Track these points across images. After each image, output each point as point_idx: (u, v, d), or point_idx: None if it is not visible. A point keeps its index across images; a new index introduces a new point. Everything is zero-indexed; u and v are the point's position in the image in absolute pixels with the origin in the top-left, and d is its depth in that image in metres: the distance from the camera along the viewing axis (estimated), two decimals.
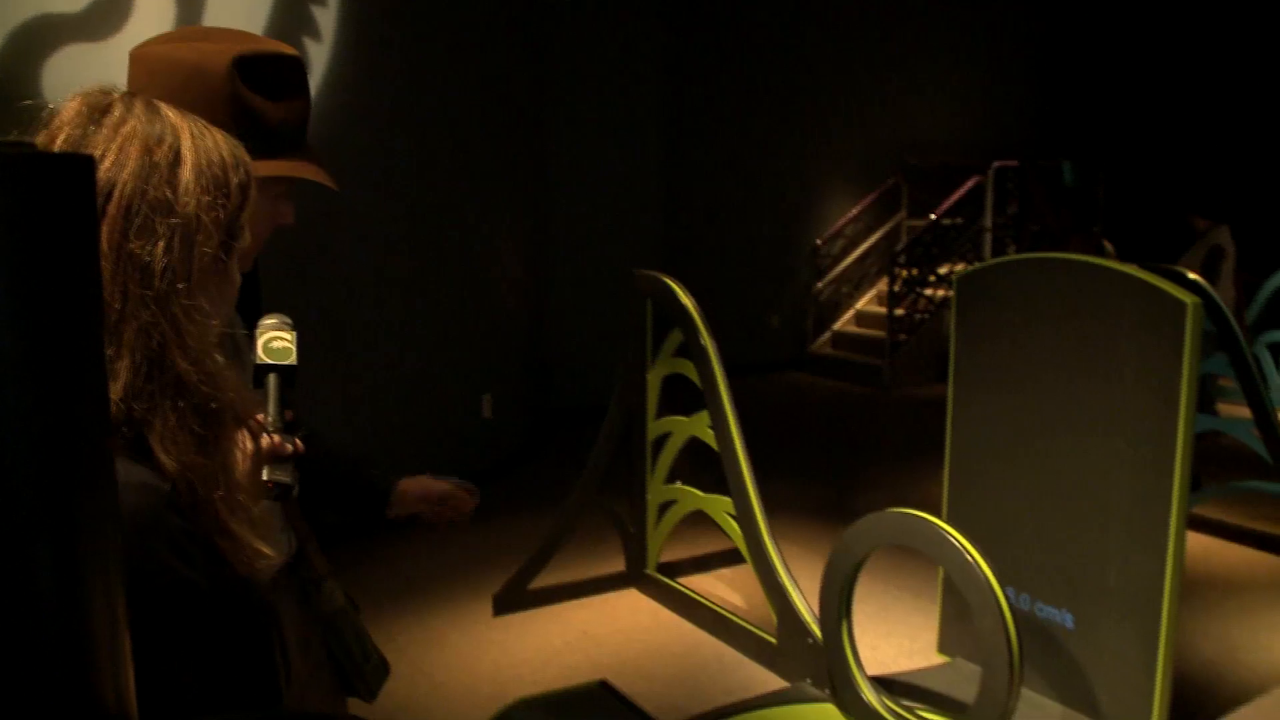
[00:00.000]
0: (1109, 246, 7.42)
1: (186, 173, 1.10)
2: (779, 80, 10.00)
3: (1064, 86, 11.66)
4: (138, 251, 1.05)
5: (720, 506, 4.14)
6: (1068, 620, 3.46)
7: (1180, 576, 3.20)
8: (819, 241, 10.47)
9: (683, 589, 4.53)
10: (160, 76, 1.52)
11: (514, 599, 4.52)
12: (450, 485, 2.18)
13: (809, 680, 3.68)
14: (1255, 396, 4.69)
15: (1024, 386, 3.55)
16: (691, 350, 4.15)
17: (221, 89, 1.51)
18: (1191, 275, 4.64)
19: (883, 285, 10.43)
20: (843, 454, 7.43)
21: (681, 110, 9.22)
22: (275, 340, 1.51)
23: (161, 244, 1.06)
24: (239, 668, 1.13)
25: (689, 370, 4.21)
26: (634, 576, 4.78)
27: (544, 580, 4.59)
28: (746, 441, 4.01)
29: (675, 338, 4.29)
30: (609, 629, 4.38)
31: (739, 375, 9.70)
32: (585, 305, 8.00)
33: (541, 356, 7.52)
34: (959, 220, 9.84)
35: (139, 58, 1.55)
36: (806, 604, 3.72)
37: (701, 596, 4.43)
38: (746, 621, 4.12)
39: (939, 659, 3.98)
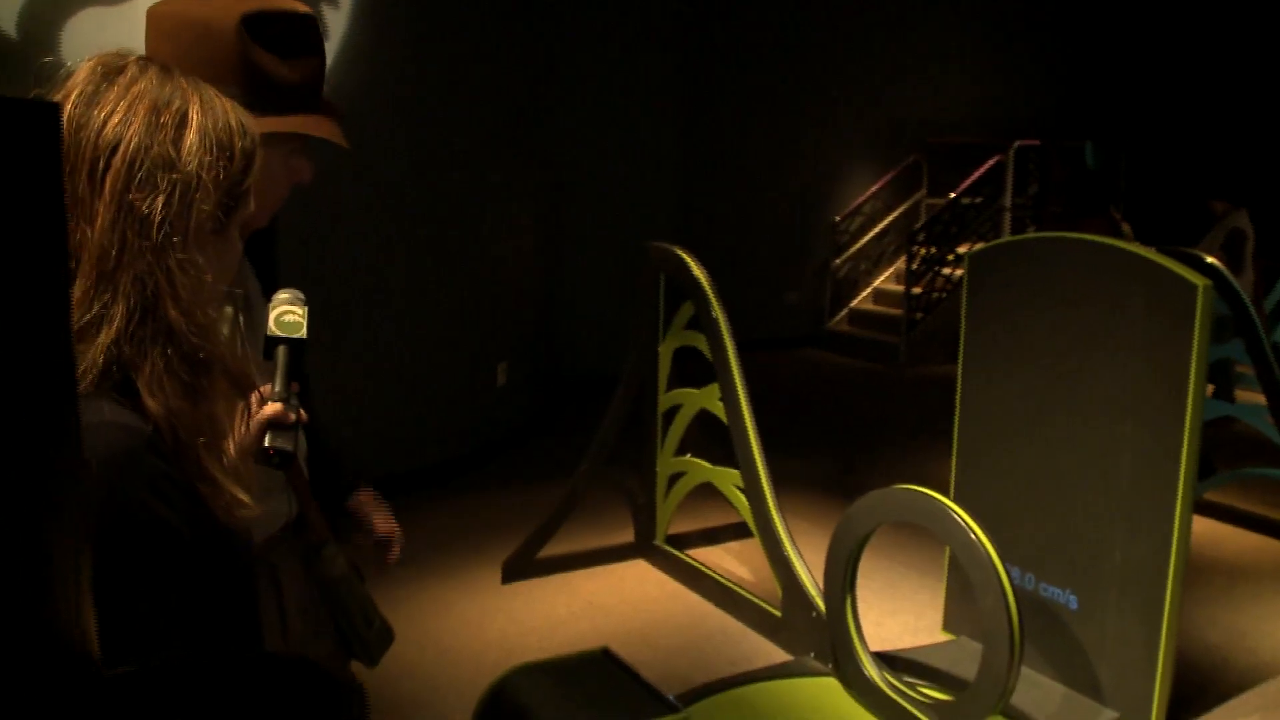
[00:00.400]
0: (1127, 229, 7.36)
1: (191, 135, 1.14)
2: (798, 55, 9.94)
3: (1087, 66, 11.54)
4: (138, 203, 1.09)
5: (728, 479, 4.16)
6: (1071, 601, 3.47)
7: (1185, 560, 3.20)
8: (837, 218, 10.43)
9: (690, 561, 4.55)
10: (171, 35, 1.55)
11: (522, 567, 4.55)
12: (382, 535, 2.11)
13: (812, 654, 3.70)
14: (1271, 383, 4.66)
15: (1033, 366, 3.54)
16: (703, 323, 4.16)
17: (229, 47, 1.52)
18: (1209, 259, 4.61)
19: (901, 263, 10.38)
20: (856, 431, 7.43)
21: (700, 83, 9.18)
22: (287, 314, 1.55)
23: (161, 198, 1.10)
24: (216, 610, 1.16)
25: (700, 343, 4.21)
26: (642, 548, 4.80)
27: (553, 549, 4.62)
28: (756, 415, 4.02)
29: (687, 310, 4.29)
30: (616, 599, 4.41)
31: (755, 351, 9.74)
32: (601, 276, 8.01)
33: (557, 327, 7.54)
34: (979, 199, 9.77)
35: (154, 17, 1.57)
36: (812, 578, 3.74)
37: (708, 569, 4.45)
38: (752, 594, 4.14)
39: (944, 637, 3.99)
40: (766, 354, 9.78)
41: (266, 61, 1.56)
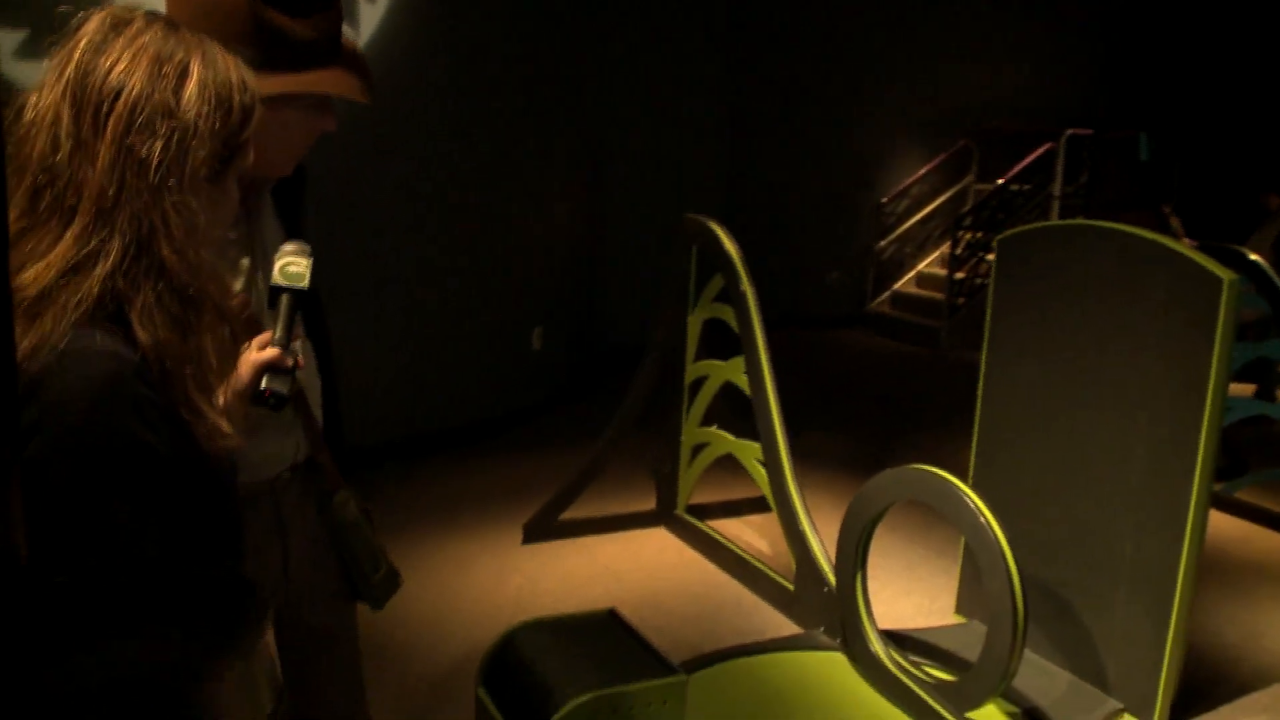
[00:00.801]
0: (1176, 223, 7.26)
1: (191, 86, 1.21)
2: (849, 35, 9.86)
3: (1143, 56, 11.32)
4: (137, 147, 1.17)
5: (750, 452, 4.19)
6: (1082, 590, 3.47)
7: (1197, 557, 3.19)
8: (884, 200, 10.37)
9: (709, 531, 4.59)
10: (185, 1, 1.60)
11: (543, 529, 4.61)
12: None
13: (822, 629, 3.73)
14: None
15: (1056, 354, 3.52)
16: (732, 295, 4.18)
17: (241, 9, 1.57)
18: (1253, 256, 4.55)
19: (945, 248, 10.30)
20: (889, 413, 7.42)
21: (748, 58, 9.14)
22: (291, 265, 1.61)
23: (159, 143, 1.17)
24: (195, 529, 1.22)
25: (728, 316, 4.23)
26: (663, 516, 4.85)
27: (574, 514, 4.68)
28: (783, 390, 4.03)
29: (717, 283, 4.32)
30: (633, 564, 4.46)
31: (794, 328, 9.79)
32: (643, 247, 8.02)
33: (596, 295, 7.58)
34: (1028, 187, 9.67)
35: None
36: (825, 553, 3.76)
37: (726, 539, 4.49)
38: (767, 567, 4.18)
39: (955, 620, 4.00)
40: (806, 332, 9.80)
41: (279, 20, 1.60)
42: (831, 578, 3.65)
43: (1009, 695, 3.34)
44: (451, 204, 5.72)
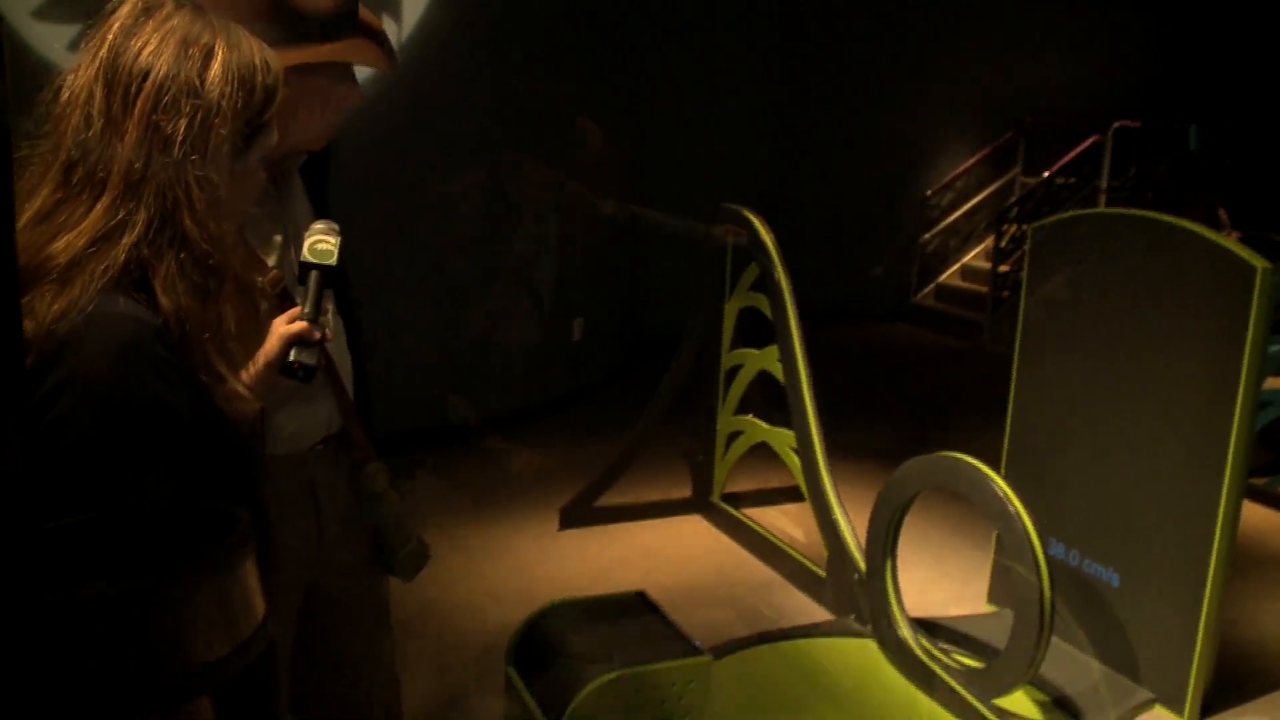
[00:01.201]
0: (1224, 216, 7.15)
1: (216, 67, 1.28)
2: (893, 28, 9.78)
3: (1193, 45, 11.14)
4: (163, 124, 1.24)
5: (783, 440, 4.21)
6: (1114, 579, 3.46)
7: (1230, 547, 3.17)
8: (929, 193, 10.31)
9: (744, 518, 4.62)
10: None
11: (580, 515, 4.67)
12: None
13: (853, 616, 3.75)
14: None
15: (1089, 340, 3.52)
16: (767, 284, 4.20)
17: None
18: None
19: (990, 241, 10.21)
20: (926, 406, 7.39)
21: (794, 54, 9.11)
22: (320, 242, 1.68)
23: (184, 121, 1.24)
24: (212, 487, 1.28)
25: (763, 304, 4.26)
26: (699, 503, 4.88)
27: (611, 499, 4.73)
28: (816, 379, 4.05)
29: (752, 271, 4.34)
30: (668, 550, 4.50)
31: (836, 322, 9.69)
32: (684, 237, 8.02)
33: (638, 285, 7.60)
34: (1074, 180, 9.56)
35: None
36: (857, 541, 3.78)
37: (761, 527, 4.52)
38: (801, 554, 4.20)
39: (987, 609, 4.01)
40: (849, 325, 9.71)
41: None
42: (862, 564, 3.67)
43: (1038, 684, 3.35)
44: (488, 194, 5.78)
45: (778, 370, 4.18)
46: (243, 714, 0.94)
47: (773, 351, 4.21)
